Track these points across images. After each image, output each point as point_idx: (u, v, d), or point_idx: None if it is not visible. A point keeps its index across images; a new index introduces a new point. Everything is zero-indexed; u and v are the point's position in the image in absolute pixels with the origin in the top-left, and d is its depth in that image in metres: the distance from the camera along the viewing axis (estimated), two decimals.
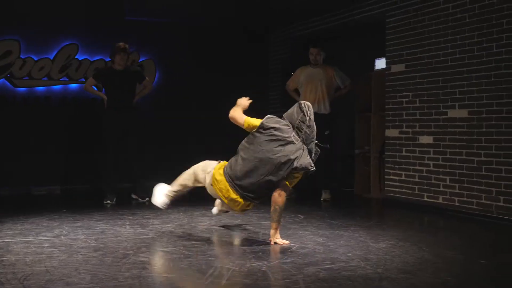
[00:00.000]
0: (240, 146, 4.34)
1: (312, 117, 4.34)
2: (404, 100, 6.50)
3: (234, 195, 4.21)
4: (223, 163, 4.37)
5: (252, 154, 4.22)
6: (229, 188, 4.21)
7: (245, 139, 4.35)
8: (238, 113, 4.39)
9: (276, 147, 4.18)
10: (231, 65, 8.86)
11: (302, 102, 4.44)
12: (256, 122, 4.33)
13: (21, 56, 7.75)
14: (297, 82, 7.16)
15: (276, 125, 4.27)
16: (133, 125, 6.78)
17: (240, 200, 4.23)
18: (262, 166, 4.17)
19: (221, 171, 4.27)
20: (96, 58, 8.05)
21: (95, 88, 7.17)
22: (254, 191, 4.21)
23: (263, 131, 4.26)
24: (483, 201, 5.51)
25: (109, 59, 7.18)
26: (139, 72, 7.16)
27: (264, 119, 4.33)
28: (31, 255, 3.92)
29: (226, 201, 4.26)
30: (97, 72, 7.09)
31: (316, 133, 4.36)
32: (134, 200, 6.82)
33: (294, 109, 4.36)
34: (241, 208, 4.30)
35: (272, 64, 9.19)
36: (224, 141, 9.16)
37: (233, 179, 4.21)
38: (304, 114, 4.30)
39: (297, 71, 7.22)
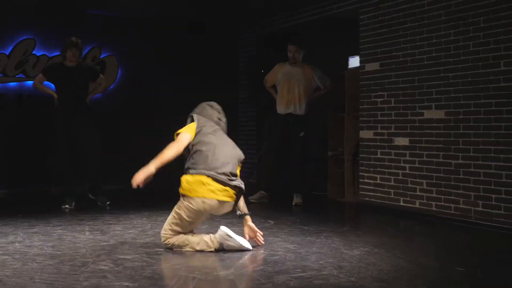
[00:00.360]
0: (192, 148, 4.29)
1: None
2: (378, 100, 6.54)
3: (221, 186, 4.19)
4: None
5: (212, 140, 4.31)
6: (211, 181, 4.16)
7: (191, 143, 4.31)
8: (170, 146, 4.28)
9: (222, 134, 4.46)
10: (199, 64, 8.83)
11: (212, 103, 4.59)
12: (188, 127, 4.40)
13: None
14: (275, 78, 7.17)
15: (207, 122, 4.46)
16: (87, 124, 6.64)
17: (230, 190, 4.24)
18: (227, 147, 4.37)
19: (187, 179, 4.21)
20: (55, 54, 7.92)
21: (51, 86, 7.03)
22: (235, 175, 4.30)
23: (203, 127, 4.37)
24: (461, 205, 5.57)
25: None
26: (92, 69, 7.07)
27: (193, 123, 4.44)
28: None
29: (218, 196, 4.19)
30: (47, 68, 6.94)
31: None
32: (93, 200, 6.73)
33: (207, 110, 4.54)
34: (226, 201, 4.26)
35: (241, 62, 9.19)
36: None
37: (211, 169, 4.19)
38: (218, 112, 4.55)
39: (275, 67, 7.22)
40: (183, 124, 4.48)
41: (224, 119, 4.56)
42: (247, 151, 9.01)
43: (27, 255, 4.09)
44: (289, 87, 7.00)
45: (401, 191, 6.21)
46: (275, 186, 7.37)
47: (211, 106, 4.56)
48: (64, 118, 6.58)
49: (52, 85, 6.80)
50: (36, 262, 3.87)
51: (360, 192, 6.79)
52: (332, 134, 7.63)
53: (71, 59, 6.62)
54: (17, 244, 4.46)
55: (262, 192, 7.11)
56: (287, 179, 7.32)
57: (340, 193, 7.40)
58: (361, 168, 6.79)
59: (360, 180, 6.80)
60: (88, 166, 6.71)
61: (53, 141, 6.81)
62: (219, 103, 4.61)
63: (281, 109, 7.07)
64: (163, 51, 8.67)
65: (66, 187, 6.66)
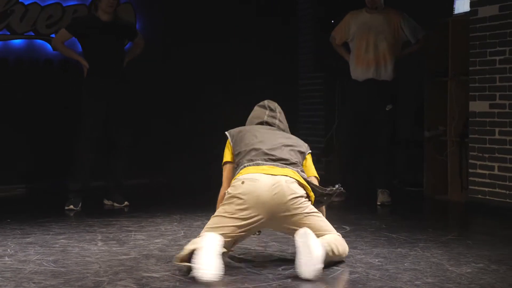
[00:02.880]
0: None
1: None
2: (497, 58, 6.47)
3: None
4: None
5: (250, 140, 4.55)
6: None
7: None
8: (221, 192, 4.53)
9: None
10: (239, 12, 8.88)
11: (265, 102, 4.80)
12: (225, 152, 4.64)
13: None
14: (347, 33, 7.15)
15: None
16: (122, 102, 6.78)
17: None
18: (273, 136, 4.65)
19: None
20: (50, 1, 8.08)
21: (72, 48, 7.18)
22: None
23: (238, 138, 4.61)
24: None
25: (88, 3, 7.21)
26: (129, 24, 7.18)
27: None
28: None
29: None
30: (74, 22, 7.07)
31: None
32: (108, 206, 6.89)
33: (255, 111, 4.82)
34: None
35: (301, 11, 9.19)
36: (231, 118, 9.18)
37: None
38: (271, 109, 4.82)
39: (346, 17, 7.19)
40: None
41: (279, 116, 4.78)
42: (312, 134, 9.06)
43: (21, 273, 4.20)
44: (368, 43, 6.98)
45: None
46: (350, 178, 7.40)
47: (262, 106, 4.82)
48: (98, 90, 6.67)
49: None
50: (34, 283, 3.97)
51: (470, 187, 6.74)
52: (430, 107, 7.58)
53: (106, 10, 6.68)
54: (7, 259, 4.57)
55: (335, 188, 7.11)
56: (369, 170, 7.32)
57: (442, 188, 7.36)
58: (471, 154, 6.74)
59: (470, 170, 6.75)
60: (115, 159, 6.87)
61: (64, 123, 6.98)
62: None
63: (358, 73, 7.05)
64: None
65: (75, 180, 6.80)
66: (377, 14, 7.00)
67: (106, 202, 6.98)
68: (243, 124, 4.78)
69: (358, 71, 7.04)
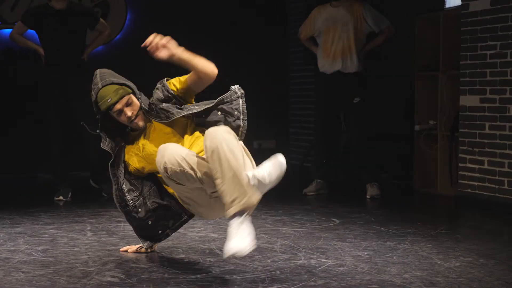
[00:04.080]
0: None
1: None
2: (488, 53, 6.47)
3: None
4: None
5: None
6: None
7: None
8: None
9: None
10: (231, 7, 8.88)
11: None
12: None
13: None
14: (312, 28, 7.19)
15: None
16: (83, 89, 6.75)
17: None
18: None
19: None
20: None
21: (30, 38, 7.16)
22: None
23: None
24: None
25: None
26: (88, 12, 7.11)
27: None
28: None
29: None
30: (28, 13, 6.99)
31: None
32: (96, 189, 6.89)
33: None
34: None
35: (292, 6, 9.19)
36: None
37: None
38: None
39: (312, 13, 7.24)
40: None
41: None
42: (304, 126, 9.06)
43: (10, 262, 4.21)
44: (334, 36, 7.01)
45: None
46: (336, 172, 7.43)
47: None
48: (53, 81, 6.68)
49: (36, 36, 6.92)
50: (23, 272, 3.98)
51: (459, 181, 6.76)
52: (420, 101, 7.58)
53: None
54: None
55: (319, 180, 7.16)
56: (353, 164, 7.35)
57: (431, 182, 7.38)
58: (461, 148, 6.76)
59: (460, 164, 6.76)
60: (86, 145, 6.83)
61: (38, 113, 6.95)
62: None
63: (325, 66, 7.08)
64: None
65: (58, 172, 6.83)
66: (340, 7, 7.03)
67: (93, 184, 6.99)
68: None
69: (325, 64, 7.08)
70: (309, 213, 5.97)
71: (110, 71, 4.37)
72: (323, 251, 4.53)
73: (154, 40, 4.14)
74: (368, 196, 6.93)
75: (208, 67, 4.26)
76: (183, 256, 4.43)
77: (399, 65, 7.73)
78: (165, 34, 4.12)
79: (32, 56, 7.96)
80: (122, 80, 4.28)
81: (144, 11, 8.63)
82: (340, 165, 8.04)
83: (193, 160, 3.87)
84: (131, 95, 4.25)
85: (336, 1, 7.05)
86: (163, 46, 4.12)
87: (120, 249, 4.57)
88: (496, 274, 4.06)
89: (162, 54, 4.13)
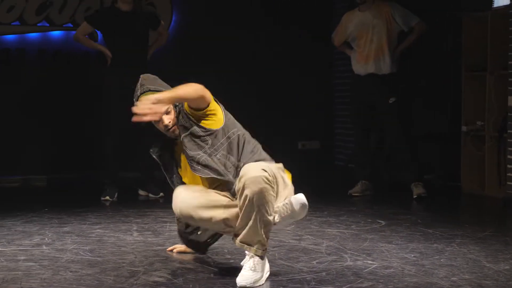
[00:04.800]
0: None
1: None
2: None
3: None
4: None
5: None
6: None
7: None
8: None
9: None
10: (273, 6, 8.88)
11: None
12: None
13: None
14: (345, 34, 7.22)
15: None
16: None
17: None
18: None
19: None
20: None
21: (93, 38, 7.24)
22: None
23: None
24: None
25: None
26: (153, 15, 7.20)
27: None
28: (2, 271, 4.03)
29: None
30: (94, 14, 7.13)
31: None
32: (143, 197, 6.93)
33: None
34: None
35: (337, 7, 9.16)
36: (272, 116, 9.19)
37: None
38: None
39: (342, 20, 7.28)
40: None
41: None
42: (349, 127, 9.04)
43: (58, 261, 4.27)
44: (366, 39, 7.01)
45: None
46: (380, 173, 7.42)
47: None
48: (119, 82, 6.64)
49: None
50: (71, 271, 4.03)
51: (508, 183, 6.69)
52: (467, 101, 7.52)
53: (125, 1, 6.75)
54: (45, 247, 4.66)
55: (364, 181, 7.13)
56: (400, 165, 7.30)
57: (479, 183, 7.31)
58: (509, 149, 6.68)
59: (508, 166, 6.69)
60: (144, 148, 6.85)
61: (97, 113, 7.01)
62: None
63: (359, 68, 7.09)
64: None
65: (109, 172, 6.88)
66: (368, 10, 7.02)
67: (141, 192, 7.03)
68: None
69: (359, 67, 7.10)
70: (354, 215, 5.94)
71: (152, 77, 4.35)
72: (369, 253, 4.51)
73: (141, 111, 3.82)
74: (415, 196, 6.88)
75: (193, 93, 4.06)
76: (228, 257, 4.44)
77: (446, 65, 7.65)
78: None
79: (80, 55, 8.09)
80: (160, 87, 4.24)
81: (189, 12, 8.65)
82: (383, 166, 7.99)
83: (206, 213, 3.93)
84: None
85: (363, 5, 7.04)
86: (150, 110, 3.82)
87: (167, 249, 4.59)
88: None
89: (156, 116, 3.90)
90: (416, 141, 7.28)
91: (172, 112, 4.17)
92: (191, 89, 4.04)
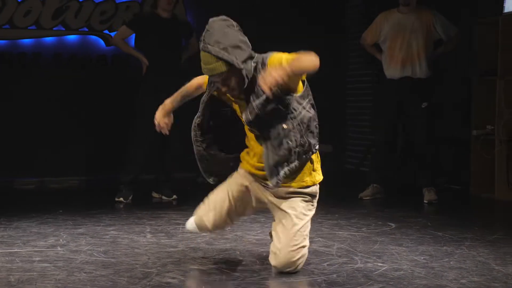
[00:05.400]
0: None
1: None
2: None
3: None
4: None
5: None
6: None
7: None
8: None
9: None
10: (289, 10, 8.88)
11: None
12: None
13: None
14: (378, 34, 7.15)
15: None
16: None
17: None
18: None
19: None
20: None
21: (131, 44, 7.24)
22: None
23: None
24: None
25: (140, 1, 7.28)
26: (188, 24, 7.23)
27: None
28: (17, 272, 4.05)
29: None
30: (136, 19, 7.16)
31: None
32: (156, 199, 6.96)
33: None
34: None
35: (349, 12, 9.17)
36: None
37: None
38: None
39: (377, 19, 7.21)
40: None
41: None
42: (361, 131, 9.03)
43: (72, 262, 4.29)
44: (402, 42, 6.96)
45: None
46: (391, 177, 7.42)
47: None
48: (153, 90, 6.57)
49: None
50: (85, 272, 4.05)
51: None
52: (478, 106, 7.51)
53: (165, 8, 6.74)
54: (59, 249, 4.68)
55: (375, 185, 7.14)
56: (410, 169, 7.31)
57: (489, 187, 7.29)
58: None
59: None
60: (165, 153, 6.92)
61: (109, 116, 7.03)
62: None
63: (393, 72, 7.03)
64: None
65: (127, 173, 6.85)
66: (409, 13, 6.98)
67: (154, 195, 7.05)
68: None
69: (394, 70, 7.03)
70: (365, 217, 5.95)
71: (221, 26, 4.08)
72: (380, 255, 4.52)
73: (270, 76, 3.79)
74: (425, 201, 6.89)
75: (312, 65, 4.11)
76: (240, 258, 4.46)
77: (457, 69, 7.64)
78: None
79: (96, 59, 8.14)
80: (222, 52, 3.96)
81: (202, 15, 8.67)
82: (397, 170, 7.99)
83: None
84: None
85: (405, 7, 6.99)
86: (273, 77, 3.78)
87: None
88: None
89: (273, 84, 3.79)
90: (437, 146, 7.26)
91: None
92: (312, 63, 4.12)
